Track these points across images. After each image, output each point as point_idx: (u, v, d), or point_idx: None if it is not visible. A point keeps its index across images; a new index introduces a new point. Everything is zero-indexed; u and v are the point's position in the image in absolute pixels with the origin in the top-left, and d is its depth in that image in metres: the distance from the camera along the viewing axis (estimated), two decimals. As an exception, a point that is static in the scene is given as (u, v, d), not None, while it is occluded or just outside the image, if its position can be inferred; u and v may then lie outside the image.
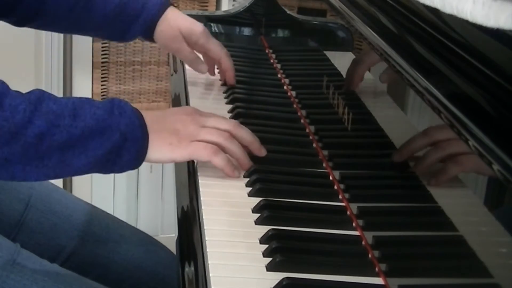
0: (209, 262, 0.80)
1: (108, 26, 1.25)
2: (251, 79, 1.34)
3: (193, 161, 1.03)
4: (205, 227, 0.86)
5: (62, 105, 0.90)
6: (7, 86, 0.89)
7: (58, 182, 2.03)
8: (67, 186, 2.09)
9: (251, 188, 0.96)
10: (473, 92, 0.67)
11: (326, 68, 1.26)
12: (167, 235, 2.13)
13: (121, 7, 1.22)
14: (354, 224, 0.90)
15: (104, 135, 0.89)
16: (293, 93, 1.28)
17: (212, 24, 1.54)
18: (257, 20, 1.55)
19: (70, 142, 0.88)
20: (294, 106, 1.23)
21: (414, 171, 0.80)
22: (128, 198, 2.18)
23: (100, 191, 2.13)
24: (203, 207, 0.91)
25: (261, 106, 1.23)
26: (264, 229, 0.86)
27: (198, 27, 1.27)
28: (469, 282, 0.68)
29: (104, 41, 2.01)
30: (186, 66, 1.37)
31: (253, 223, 0.89)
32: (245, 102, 1.24)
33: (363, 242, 0.86)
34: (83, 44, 1.99)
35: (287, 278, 0.77)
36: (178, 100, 1.29)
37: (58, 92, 2.02)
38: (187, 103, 1.24)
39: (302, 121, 1.17)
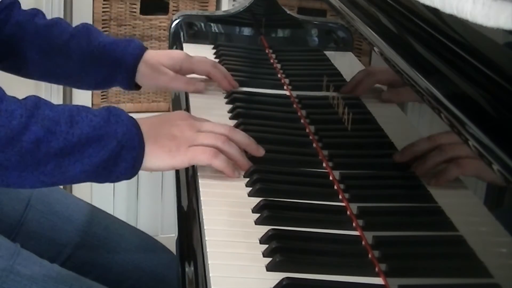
0: (209, 262, 0.80)
1: (86, 70, 1.23)
2: (251, 79, 1.34)
3: (193, 162, 1.03)
4: (205, 227, 0.86)
5: (58, 112, 0.89)
6: (3, 91, 0.88)
7: (58, 182, 2.02)
8: (67, 186, 2.09)
9: (251, 188, 0.96)
10: (473, 92, 0.67)
11: (326, 68, 1.26)
12: (167, 235, 2.13)
13: (101, 50, 1.21)
14: (354, 224, 0.90)
15: (100, 143, 0.89)
16: (293, 93, 1.28)
17: (212, 24, 1.54)
18: (257, 20, 1.55)
19: (67, 149, 0.88)
20: (294, 106, 1.23)
21: (414, 171, 0.80)
22: (128, 198, 2.18)
23: (100, 191, 2.13)
24: (203, 207, 0.91)
25: (261, 106, 1.23)
26: (264, 229, 0.86)
27: (176, 54, 1.27)
28: (469, 282, 0.68)
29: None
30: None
31: (253, 223, 0.89)
32: (245, 102, 1.24)
33: (363, 242, 0.86)
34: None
35: (287, 278, 0.77)
36: (178, 100, 1.29)
37: (58, 93, 2.02)
38: (187, 103, 1.24)
39: (302, 121, 1.17)
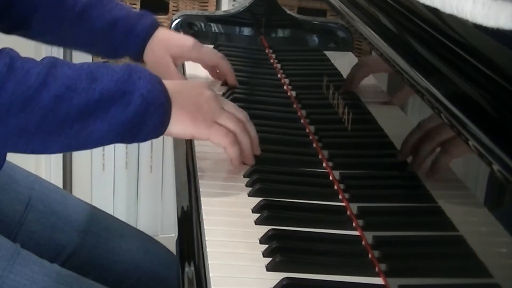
0: (209, 262, 0.80)
1: (96, 44, 1.23)
2: (251, 79, 1.34)
3: (193, 160, 1.03)
4: (205, 227, 0.86)
5: (77, 69, 0.86)
6: (18, 53, 0.86)
7: (58, 182, 2.03)
8: (67, 186, 2.09)
9: (251, 188, 0.96)
10: (473, 92, 0.67)
11: (326, 68, 1.26)
12: (167, 235, 2.13)
13: (111, 27, 1.20)
14: (354, 224, 0.90)
15: (124, 99, 0.86)
16: (293, 93, 1.28)
17: (212, 24, 1.54)
18: (257, 20, 1.55)
19: (90, 107, 0.85)
20: (294, 106, 1.23)
21: (414, 172, 0.80)
22: (128, 198, 2.18)
23: (100, 191, 2.13)
24: (203, 207, 0.91)
25: (261, 106, 1.23)
26: (264, 229, 0.86)
27: (188, 41, 1.26)
28: (469, 282, 0.68)
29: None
30: (186, 66, 1.37)
31: (253, 223, 0.89)
32: (245, 102, 1.24)
33: (363, 242, 0.86)
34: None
35: (287, 278, 0.77)
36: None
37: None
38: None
39: (302, 121, 1.17)
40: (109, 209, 1.88)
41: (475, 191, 0.68)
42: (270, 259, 0.81)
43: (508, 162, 0.57)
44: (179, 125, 0.92)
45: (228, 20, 1.55)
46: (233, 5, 2.02)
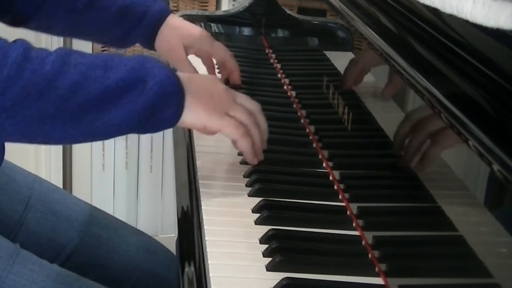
0: (209, 262, 0.80)
1: (108, 30, 1.23)
2: (251, 79, 1.34)
3: (193, 160, 1.03)
4: (205, 227, 0.86)
5: (91, 58, 0.87)
6: (31, 44, 0.86)
7: (58, 182, 2.03)
8: (67, 186, 2.09)
9: (251, 188, 0.96)
10: (473, 92, 0.67)
11: (326, 68, 1.26)
12: (167, 235, 2.13)
13: (123, 12, 1.20)
14: (354, 224, 0.90)
15: (139, 87, 0.86)
16: (293, 93, 1.28)
17: (212, 24, 1.54)
18: (257, 20, 1.55)
19: (105, 95, 0.85)
20: (294, 106, 1.23)
21: (414, 172, 0.80)
22: (128, 198, 2.18)
23: (100, 191, 2.13)
24: (203, 207, 0.91)
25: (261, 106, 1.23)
26: (264, 229, 0.86)
27: (200, 32, 1.26)
28: (469, 282, 0.68)
29: (104, 41, 2.00)
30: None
31: (253, 223, 0.89)
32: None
33: (363, 242, 0.86)
34: (83, 44, 1.99)
35: (287, 278, 0.77)
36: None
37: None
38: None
39: (302, 121, 1.17)
40: (109, 209, 1.88)
41: (475, 191, 0.68)
42: (270, 259, 0.81)
43: (508, 162, 0.57)
44: (193, 114, 0.92)
45: (228, 20, 1.55)
46: (233, 5, 2.02)
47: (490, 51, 0.68)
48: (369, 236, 0.86)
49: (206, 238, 0.84)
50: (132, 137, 2.06)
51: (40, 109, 0.83)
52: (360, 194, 0.95)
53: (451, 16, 0.71)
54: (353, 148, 1.04)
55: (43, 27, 1.25)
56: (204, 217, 0.89)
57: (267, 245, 0.83)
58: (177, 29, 1.23)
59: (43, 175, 1.92)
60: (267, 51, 1.48)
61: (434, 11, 0.76)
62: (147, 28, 1.22)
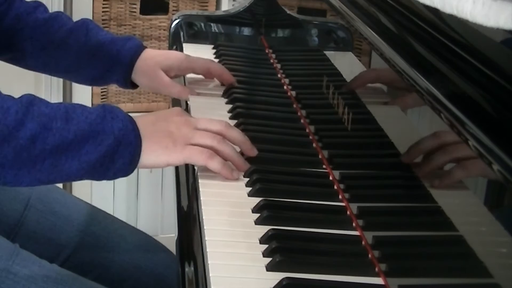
0: (209, 262, 0.80)
1: (83, 66, 1.23)
2: (251, 79, 1.34)
3: (193, 161, 1.03)
4: (205, 227, 0.86)
5: (54, 108, 0.89)
6: None
7: (58, 182, 2.02)
8: (67, 186, 2.09)
9: (251, 188, 0.95)
10: (473, 92, 0.67)
11: (326, 68, 1.25)
12: (167, 235, 2.13)
13: (98, 48, 1.21)
14: (354, 224, 0.90)
15: (97, 139, 0.89)
16: (293, 93, 1.28)
17: (212, 24, 1.54)
18: (257, 20, 1.55)
19: (63, 146, 0.88)
20: (294, 106, 1.23)
21: (415, 172, 0.80)
22: (128, 198, 2.18)
23: (100, 191, 2.13)
24: (203, 207, 0.91)
25: (261, 106, 1.23)
26: (264, 229, 0.86)
27: (175, 54, 1.27)
28: (469, 282, 0.68)
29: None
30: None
31: (253, 223, 0.89)
32: (245, 102, 1.24)
33: (363, 242, 0.86)
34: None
35: (287, 278, 0.77)
36: (178, 100, 1.29)
37: (58, 93, 2.02)
38: (187, 103, 1.24)
39: (302, 121, 1.17)
40: (109, 209, 1.88)
41: (475, 191, 0.68)
42: (270, 259, 0.81)
43: (508, 162, 0.57)
44: (151, 156, 0.94)
45: (228, 20, 1.55)
46: (233, 5, 2.02)
47: (490, 51, 0.68)
48: (369, 236, 0.86)
49: (206, 238, 0.84)
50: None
51: None
52: (360, 194, 0.95)
53: (451, 16, 0.71)
54: (353, 148, 1.04)
55: (20, 59, 1.25)
56: (204, 217, 0.88)
57: (267, 245, 0.83)
58: (152, 58, 1.24)
59: (43, 175, 1.92)
60: (267, 51, 1.48)
61: (434, 11, 0.76)
62: (121, 67, 1.22)
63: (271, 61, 1.44)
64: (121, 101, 2.08)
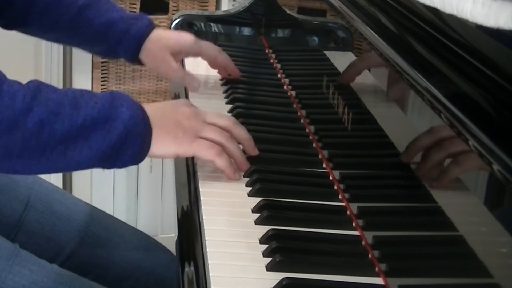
0: (209, 262, 0.80)
1: (91, 45, 1.24)
2: (251, 79, 1.34)
3: (193, 161, 1.03)
4: (205, 227, 0.86)
5: (61, 94, 0.88)
6: (4, 74, 0.87)
7: (58, 182, 2.03)
8: (67, 186, 2.09)
9: (251, 188, 0.95)
10: (473, 92, 0.67)
11: (326, 68, 1.25)
12: (167, 235, 2.13)
13: (105, 29, 1.21)
14: (354, 224, 0.90)
15: (106, 126, 0.88)
16: (293, 93, 1.28)
17: (212, 24, 1.54)
18: (257, 20, 1.55)
19: (72, 132, 0.86)
20: (294, 106, 1.23)
21: (415, 172, 0.80)
22: (128, 198, 2.18)
23: (100, 191, 2.13)
24: (203, 207, 0.91)
25: (261, 106, 1.23)
26: (264, 229, 0.86)
27: (186, 37, 1.26)
28: (469, 282, 0.68)
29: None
30: (186, 66, 1.37)
31: (253, 223, 0.89)
32: (245, 102, 1.24)
33: (363, 242, 0.86)
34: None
35: (287, 278, 0.77)
36: (178, 97, 1.29)
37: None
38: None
39: (302, 121, 1.17)
40: (109, 209, 1.88)
41: (475, 191, 0.68)
42: (270, 259, 0.81)
43: (508, 162, 0.57)
44: (162, 147, 0.93)
45: (228, 20, 1.55)
46: (233, 5, 2.02)
47: (490, 51, 0.68)
48: (369, 236, 0.86)
49: (206, 238, 0.84)
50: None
51: (7, 144, 0.84)
52: (360, 194, 0.95)
53: (451, 16, 0.71)
54: (353, 148, 1.04)
55: (35, 33, 1.27)
56: (204, 217, 0.88)
57: (267, 245, 0.83)
58: (161, 40, 1.23)
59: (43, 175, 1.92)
60: (267, 51, 1.48)
61: (434, 11, 0.76)
62: (130, 44, 1.22)
63: (271, 61, 1.44)
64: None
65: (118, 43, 1.22)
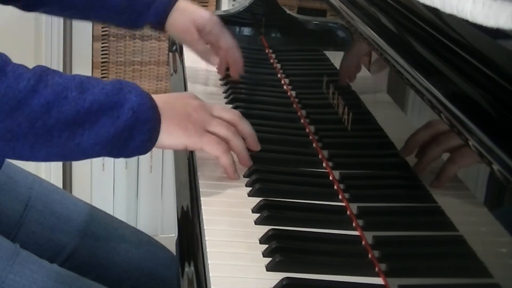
0: (209, 262, 0.80)
1: (118, 13, 1.24)
2: (251, 79, 1.34)
3: (193, 160, 1.03)
4: (205, 227, 0.86)
5: (68, 78, 0.86)
6: (9, 57, 0.85)
7: (58, 182, 2.03)
8: (67, 186, 2.09)
9: (251, 188, 0.95)
10: (473, 92, 0.67)
11: (326, 68, 1.25)
12: (167, 235, 2.13)
13: (129, 2, 1.22)
14: (354, 224, 0.90)
15: (114, 112, 0.86)
16: (293, 93, 1.28)
17: (212, 24, 1.54)
18: (257, 20, 1.55)
19: (79, 116, 0.84)
20: (294, 106, 1.23)
21: (414, 172, 0.80)
22: (128, 198, 2.18)
23: (100, 191, 2.13)
24: (203, 207, 0.91)
25: (261, 106, 1.23)
26: (264, 229, 0.86)
27: (211, 15, 1.27)
28: (469, 282, 0.68)
29: (104, 41, 2.01)
30: (186, 66, 1.37)
31: (253, 223, 0.89)
32: (245, 102, 1.24)
33: (363, 242, 0.86)
34: (82, 44, 1.99)
35: (287, 278, 0.77)
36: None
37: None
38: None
39: (302, 121, 1.17)
40: (109, 209, 1.88)
41: (475, 191, 0.68)
42: (270, 259, 0.81)
43: (508, 162, 0.57)
44: (171, 137, 0.92)
45: (228, 20, 1.54)
46: (233, 5, 2.02)
47: (490, 51, 0.68)
48: (369, 236, 0.86)
49: (206, 238, 0.84)
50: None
51: (12, 126, 0.82)
52: (360, 194, 0.95)
53: (451, 16, 0.71)
54: (353, 148, 1.04)
55: (54, 12, 1.26)
56: (204, 217, 0.88)
57: (267, 245, 0.83)
58: (187, 11, 1.25)
59: (43, 175, 1.92)
60: (267, 51, 1.48)
61: (434, 11, 0.76)
62: (155, 15, 1.24)
63: (271, 61, 1.44)
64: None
65: (146, 9, 1.23)
